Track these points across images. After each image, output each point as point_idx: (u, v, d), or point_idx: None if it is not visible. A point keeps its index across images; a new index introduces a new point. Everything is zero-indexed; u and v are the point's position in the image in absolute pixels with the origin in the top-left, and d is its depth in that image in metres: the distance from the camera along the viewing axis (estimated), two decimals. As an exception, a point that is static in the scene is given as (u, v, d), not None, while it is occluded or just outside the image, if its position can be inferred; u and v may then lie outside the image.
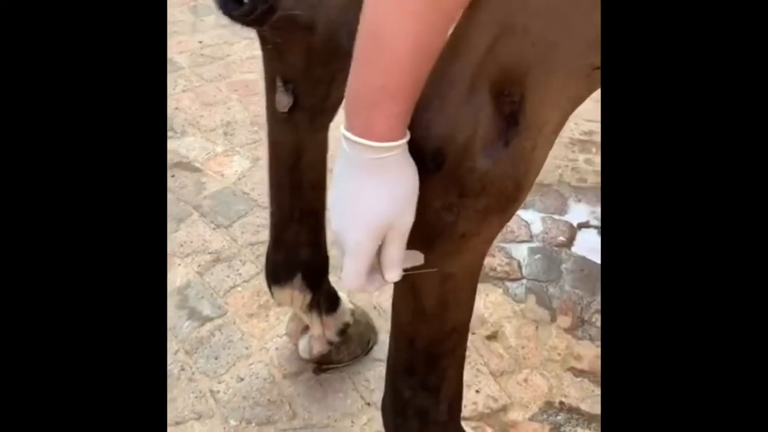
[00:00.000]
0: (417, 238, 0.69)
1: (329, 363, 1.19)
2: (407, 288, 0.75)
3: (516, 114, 0.63)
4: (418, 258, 0.68)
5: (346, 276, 0.64)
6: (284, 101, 0.86)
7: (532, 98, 0.62)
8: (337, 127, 0.62)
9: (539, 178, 1.76)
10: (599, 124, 1.85)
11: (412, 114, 0.61)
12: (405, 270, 0.67)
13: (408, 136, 0.60)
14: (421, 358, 0.80)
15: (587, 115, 1.88)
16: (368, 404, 1.14)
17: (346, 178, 0.61)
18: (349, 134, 0.59)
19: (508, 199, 0.66)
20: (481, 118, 0.62)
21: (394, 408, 0.86)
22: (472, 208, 0.66)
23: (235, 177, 1.65)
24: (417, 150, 0.62)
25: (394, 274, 0.65)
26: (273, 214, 1.03)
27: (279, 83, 0.86)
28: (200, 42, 2.18)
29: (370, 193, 0.60)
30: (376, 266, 0.65)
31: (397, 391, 0.84)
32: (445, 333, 0.78)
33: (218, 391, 1.16)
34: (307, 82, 0.87)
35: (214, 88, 1.97)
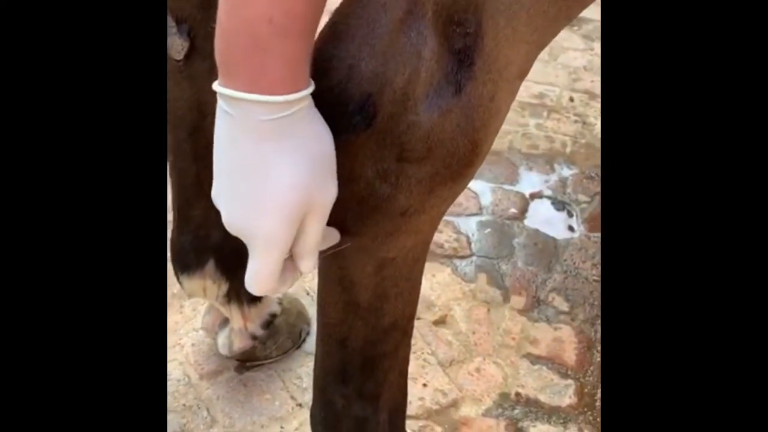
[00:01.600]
0: (345, 217, 0.53)
1: (254, 360, 1.03)
2: (335, 278, 0.60)
3: (470, 50, 0.47)
4: (333, 236, 0.53)
5: (257, 280, 0.48)
6: (178, 46, 0.68)
7: (491, 29, 0.47)
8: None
9: (488, 145, 1.61)
10: (550, 87, 1.72)
11: (329, 48, 0.45)
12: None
13: (312, 86, 0.44)
14: (356, 362, 0.66)
15: (537, 77, 1.75)
16: (300, 405, 0.99)
17: (236, 151, 0.44)
18: (229, 91, 0.42)
19: (460, 163, 0.51)
20: (425, 54, 0.47)
21: (325, 421, 0.71)
22: (414, 176, 0.51)
23: (147, 147, 1.45)
24: (338, 98, 0.46)
25: (311, 262, 0.50)
26: (174, 188, 0.85)
27: (171, 23, 0.68)
28: None
29: (277, 165, 0.44)
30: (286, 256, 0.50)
31: (327, 401, 0.69)
32: (384, 330, 0.64)
33: (122, 399, 0.99)
34: (205, 20, 0.69)
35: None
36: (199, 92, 0.75)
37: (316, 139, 0.45)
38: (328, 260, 0.59)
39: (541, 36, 0.50)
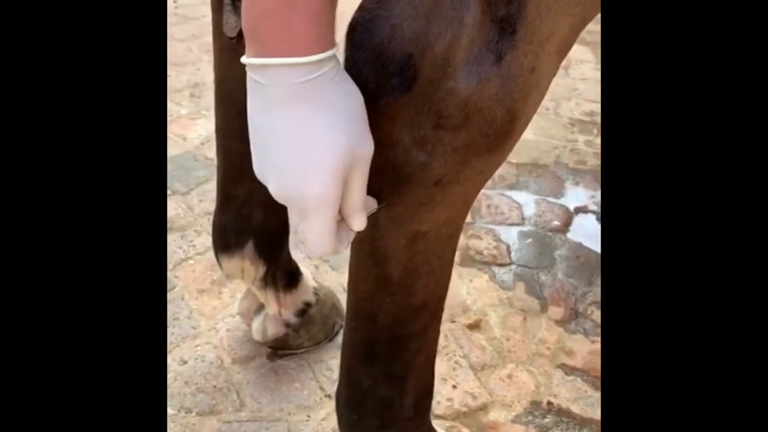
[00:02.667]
0: (380, 184, 0.54)
1: (286, 348, 1.04)
2: (368, 251, 0.61)
3: (513, 18, 0.48)
4: (371, 204, 0.53)
5: (315, 242, 0.49)
6: (232, 23, 0.70)
7: (534, -2, 0.47)
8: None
9: (534, 158, 1.62)
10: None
11: (373, 7, 0.47)
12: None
13: (337, 46, 0.45)
14: (384, 341, 0.66)
15: (589, 95, 1.74)
16: (328, 396, 0.99)
17: (272, 121, 0.45)
18: (259, 60, 0.43)
19: (497, 134, 0.51)
20: (467, 20, 0.47)
21: (349, 400, 0.71)
22: (450, 144, 0.51)
23: (198, 141, 1.49)
24: (380, 57, 0.47)
25: (362, 219, 0.51)
26: (220, 168, 0.87)
27: (227, 0, 0.71)
28: (175, 1, 2.02)
29: (315, 127, 0.45)
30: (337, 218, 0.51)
31: (353, 380, 0.69)
32: (413, 309, 0.64)
33: (156, 375, 1.01)
34: None
35: (185, 49, 1.81)
36: (249, 71, 0.77)
37: (347, 96, 0.46)
38: (362, 233, 0.60)
39: (585, 9, 0.50)
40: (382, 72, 0.48)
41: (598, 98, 1.73)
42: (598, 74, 1.82)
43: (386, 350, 0.66)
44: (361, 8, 0.47)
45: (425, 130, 0.50)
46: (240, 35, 0.73)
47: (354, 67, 0.49)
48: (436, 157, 0.51)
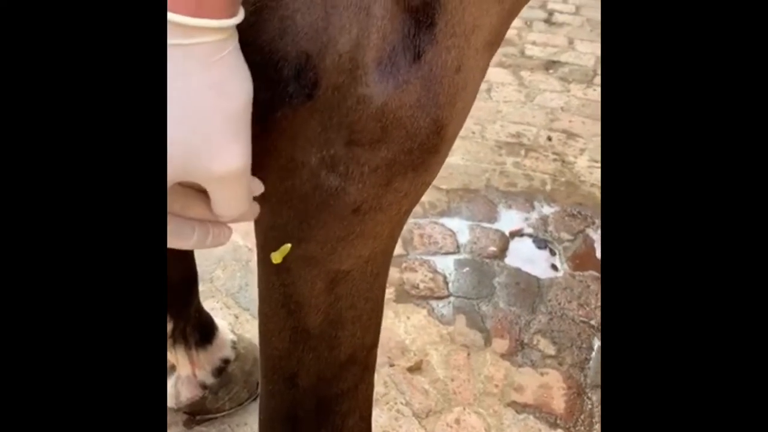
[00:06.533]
0: (285, 217, 0.44)
1: (205, 413, 0.91)
2: (278, 299, 0.50)
3: (430, 7, 0.40)
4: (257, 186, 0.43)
5: (234, 207, 0.41)
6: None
7: (454, -17, 0.39)
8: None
9: (464, 182, 1.55)
10: (527, 126, 1.67)
11: (254, 1, 0.37)
12: None
13: (241, 15, 0.36)
14: (308, 405, 0.55)
15: (513, 117, 1.70)
16: (255, 466, 0.87)
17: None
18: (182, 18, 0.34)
19: (422, 148, 0.43)
20: (375, 11, 0.39)
21: (272, 478, 0.59)
22: (367, 163, 0.42)
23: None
24: (270, 59, 0.38)
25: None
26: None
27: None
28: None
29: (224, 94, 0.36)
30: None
31: (275, 452, 0.58)
32: (340, 364, 0.54)
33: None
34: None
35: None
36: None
37: (228, 85, 0.36)
38: (271, 277, 0.50)
39: (514, -4, 0.42)
40: (275, 77, 0.38)
41: (522, 120, 1.70)
42: (520, 96, 1.80)
43: (312, 416, 0.56)
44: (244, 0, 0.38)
45: (336, 147, 0.41)
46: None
47: (240, 73, 0.39)
48: (351, 180, 0.42)
